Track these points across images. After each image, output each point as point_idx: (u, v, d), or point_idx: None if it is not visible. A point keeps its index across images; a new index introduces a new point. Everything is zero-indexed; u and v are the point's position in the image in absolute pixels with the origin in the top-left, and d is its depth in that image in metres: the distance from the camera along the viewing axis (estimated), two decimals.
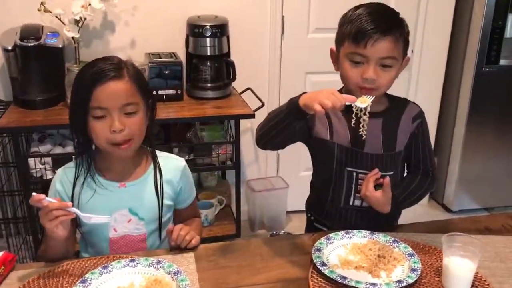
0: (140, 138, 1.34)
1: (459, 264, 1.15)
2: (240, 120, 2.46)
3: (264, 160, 3.03)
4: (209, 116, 2.44)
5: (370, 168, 1.41)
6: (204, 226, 2.64)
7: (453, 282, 1.16)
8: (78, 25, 2.37)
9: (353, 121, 1.34)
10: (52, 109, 2.32)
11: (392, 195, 1.39)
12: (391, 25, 1.31)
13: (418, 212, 3.21)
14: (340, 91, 1.34)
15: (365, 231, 1.36)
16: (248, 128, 2.85)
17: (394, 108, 1.46)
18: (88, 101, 1.25)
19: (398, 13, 1.38)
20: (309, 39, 2.81)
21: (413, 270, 1.20)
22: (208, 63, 2.55)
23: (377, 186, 1.38)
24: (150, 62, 2.45)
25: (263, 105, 2.53)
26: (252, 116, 2.40)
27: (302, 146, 1.53)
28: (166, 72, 2.45)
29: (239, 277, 1.22)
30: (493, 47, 2.88)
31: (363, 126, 1.32)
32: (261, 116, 2.49)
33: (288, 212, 3.06)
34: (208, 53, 2.52)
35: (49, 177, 2.23)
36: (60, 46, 2.32)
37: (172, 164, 1.45)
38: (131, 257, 1.24)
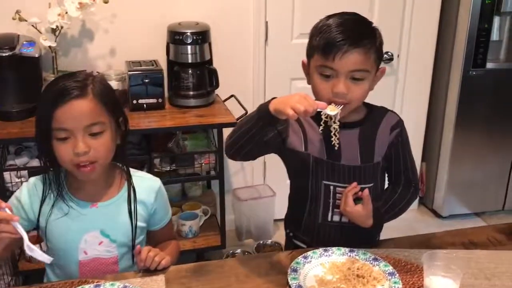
0: (107, 159, 1.27)
1: (440, 284, 1.10)
2: (224, 128, 2.41)
3: (250, 168, 2.98)
4: (190, 126, 2.38)
5: (347, 181, 1.36)
6: (189, 238, 2.58)
7: None
8: (55, 34, 2.32)
9: (321, 128, 1.30)
10: (28, 120, 2.24)
11: (373, 208, 1.34)
12: (361, 36, 1.25)
13: (408, 218, 3.18)
14: None
15: (345, 248, 1.31)
16: None
17: (371, 118, 1.41)
18: (50, 123, 1.18)
19: (370, 23, 1.33)
20: (293, 44, 2.76)
21: None
22: (190, 71, 2.49)
23: (357, 200, 1.32)
24: (129, 71, 2.39)
25: (246, 112, 2.47)
26: (234, 124, 2.33)
27: None
28: (147, 80, 2.39)
29: None
30: (479, 50, 2.84)
31: (334, 134, 1.28)
32: None
33: (275, 220, 3.00)
34: (190, 61, 2.47)
35: None
36: (37, 55, 2.26)
37: (147, 184, 1.39)
38: (97, 282, 1.18)
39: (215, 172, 2.48)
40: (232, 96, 2.63)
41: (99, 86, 1.24)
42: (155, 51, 2.57)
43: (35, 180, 1.33)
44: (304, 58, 1.37)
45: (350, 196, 1.32)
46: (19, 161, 2.21)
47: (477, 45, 2.83)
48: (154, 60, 2.53)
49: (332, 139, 1.29)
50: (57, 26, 2.28)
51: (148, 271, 1.25)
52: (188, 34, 2.42)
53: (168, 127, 2.36)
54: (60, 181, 1.29)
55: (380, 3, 2.84)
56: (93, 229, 1.30)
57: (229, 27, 2.67)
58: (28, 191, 1.30)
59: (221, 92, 2.63)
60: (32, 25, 2.29)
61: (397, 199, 1.42)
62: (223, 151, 2.38)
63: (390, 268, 1.23)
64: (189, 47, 2.44)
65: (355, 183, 1.33)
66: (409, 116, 3.09)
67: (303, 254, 1.28)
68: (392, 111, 1.46)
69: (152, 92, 2.42)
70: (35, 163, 2.24)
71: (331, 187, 1.38)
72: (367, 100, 1.48)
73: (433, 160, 3.21)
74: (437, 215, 3.26)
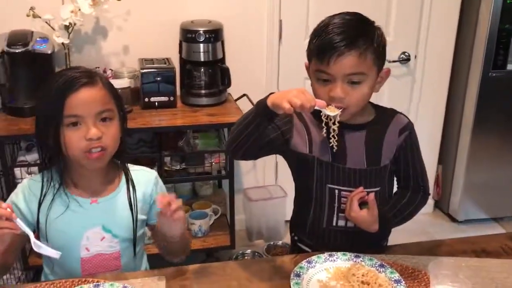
0: (114, 148, 1.27)
1: None
2: None
3: (262, 168, 2.95)
4: (201, 124, 2.37)
5: (353, 184, 1.32)
6: (198, 237, 2.57)
7: None
8: (68, 31, 2.32)
9: (324, 131, 1.27)
10: None
11: (379, 212, 1.30)
12: (355, 37, 1.21)
13: (423, 222, 3.13)
14: None
15: (350, 253, 1.27)
16: None
17: (379, 120, 1.37)
18: (61, 110, 1.18)
19: (369, 23, 1.28)
20: (307, 43, 2.72)
21: None
22: (202, 69, 2.48)
23: (362, 204, 1.29)
24: (142, 69, 2.39)
25: None
26: None
27: None
28: (159, 78, 2.39)
29: None
30: (500, 52, 2.77)
31: (333, 136, 1.25)
32: None
33: (287, 222, 2.95)
34: (202, 59, 2.45)
35: None
36: (50, 52, 2.27)
37: (144, 176, 1.39)
38: (96, 281, 1.17)
39: (225, 171, 2.46)
40: (244, 95, 2.61)
41: (104, 77, 1.28)
42: (168, 49, 2.56)
43: (29, 181, 1.32)
44: (306, 61, 1.34)
45: (355, 200, 1.28)
46: (30, 157, 2.22)
47: (497, 46, 2.76)
48: (166, 58, 2.52)
49: (331, 140, 1.27)
50: (70, 23, 2.28)
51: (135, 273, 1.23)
52: (201, 32, 2.40)
53: (179, 126, 2.35)
54: (60, 175, 1.28)
55: (398, 3, 2.78)
56: (95, 225, 1.29)
57: (242, 25, 2.65)
58: (23, 192, 1.29)
59: (234, 91, 2.62)
60: (46, 22, 2.29)
61: (405, 204, 1.38)
62: None
63: (396, 275, 1.19)
64: (201, 45, 2.43)
65: (361, 188, 1.30)
66: (425, 117, 3.04)
67: (307, 259, 1.25)
68: (401, 113, 1.42)
69: (164, 90, 2.41)
70: None
71: (336, 191, 1.35)
72: (380, 101, 1.44)
73: (450, 163, 3.14)
74: (452, 219, 3.19)
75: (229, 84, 2.53)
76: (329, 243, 1.38)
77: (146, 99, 2.40)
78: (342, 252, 1.28)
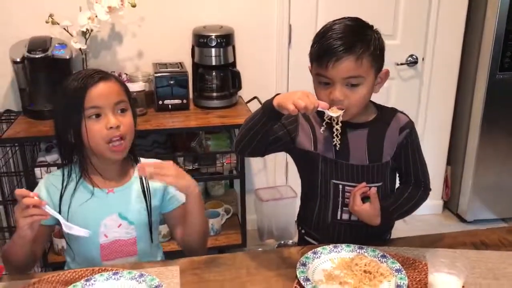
0: (132, 137, 1.37)
1: (445, 281, 1.12)
2: None
3: (272, 169, 3.02)
4: (213, 126, 2.44)
5: (356, 180, 1.39)
6: (210, 236, 2.64)
7: None
8: (85, 37, 2.41)
9: (323, 128, 1.34)
10: None
11: (381, 206, 1.36)
12: (352, 42, 1.26)
13: (432, 222, 3.16)
14: None
15: (354, 245, 1.33)
16: None
17: (381, 119, 1.43)
18: (83, 103, 1.28)
19: (368, 28, 1.33)
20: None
21: (398, 286, 1.17)
22: (214, 73, 2.56)
23: (365, 199, 1.35)
24: (156, 73, 2.47)
25: None
26: None
27: None
28: (172, 82, 2.47)
29: None
30: (506, 53, 2.81)
31: (336, 135, 1.31)
32: None
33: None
34: (214, 63, 2.53)
35: None
36: (68, 57, 2.36)
37: None
38: (115, 270, 1.25)
39: (237, 171, 2.53)
40: (255, 97, 2.69)
41: (116, 76, 1.40)
42: (181, 54, 2.65)
43: (50, 176, 1.42)
44: (309, 64, 1.39)
45: (357, 195, 1.34)
46: (50, 158, 2.31)
47: (504, 48, 2.80)
48: (179, 62, 2.61)
49: (334, 139, 1.33)
50: (87, 29, 2.37)
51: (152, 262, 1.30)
52: (213, 37, 2.48)
53: (192, 127, 2.43)
54: (77, 171, 1.38)
55: (405, 6, 2.84)
56: (112, 213, 1.38)
57: (253, 30, 2.72)
58: (45, 186, 1.39)
59: (245, 93, 2.69)
60: (64, 28, 2.39)
61: (406, 199, 1.44)
62: None
63: (397, 265, 1.25)
64: (213, 50, 2.51)
65: (363, 183, 1.36)
66: (434, 119, 3.08)
67: (313, 250, 1.31)
68: (402, 112, 1.48)
69: (177, 93, 2.50)
70: None
71: (340, 186, 1.41)
72: (388, 103, 1.49)
73: (458, 164, 3.18)
74: (461, 220, 3.22)
75: (240, 87, 2.61)
76: (334, 236, 1.44)
77: (160, 102, 2.49)
78: (346, 244, 1.34)
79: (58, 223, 1.29)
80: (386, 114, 1.45)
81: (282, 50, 2.79)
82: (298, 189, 2.88)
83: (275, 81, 2.85)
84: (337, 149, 1.37)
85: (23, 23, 2.47)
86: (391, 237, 1.53)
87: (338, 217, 1.44)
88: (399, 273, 1.21)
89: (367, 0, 2.77)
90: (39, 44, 2.33)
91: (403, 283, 1.17)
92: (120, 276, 1.21)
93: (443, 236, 1.46)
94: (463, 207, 3.19)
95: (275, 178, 3.04)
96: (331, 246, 1.34)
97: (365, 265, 1.25)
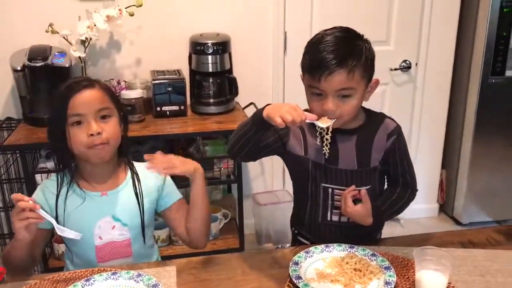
0: (116, 142, 1.41)
1: (431, 277, 1.16)
2: None
3: (270, 173, 3.07)
4: (210, 132, 2.49)
5: (345, 184, 1.43)
6: (208, 240, 2.67)
7: None
8: (84, 45, 2.47)
9: (318, 140, 1.38)
10: None
11: (373, 206, 1.40)
12: (345, 56, 1.28)
13: (428, 225, 3.20)
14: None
15: (345, 244, 1.37)
16: None
17: (369, 125, 1.46)
18: (66, 110, 1.34)
19: (359, 39, 1.35)
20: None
21: (387, 283, 1.21)
22: (211, 80, 2.61)
23: (356, 201, 1.39)
24: (154, 80, 2.52)
25: None
26: None
27: None
28: (170, 89, 2.52)
29: None
30: (498, 59, 2.86)
31: (326, 145, 1.35)
32: None
33: None
34: (210, 70, 2.58)
35: None
36: (67, 65, 2.41)
37: (146, 167, 1.51)
38: (114, 270, 1.29)
39: (234, 176, 2.57)
40: (251, 103, 2.73)
41: (103, 84, 1.43)
42: (178, 61, 2.70)
43: (46, 182, 1.48)
44: (301, 73, 1.42)
45: (349, 197, 1.38)
46: (50, 164, 2.36)
47: (496, 53, 2.85)
48: (177, 70, 2.66)
49: (324, 149, 1.37)
50: (86, 38, 2.43)
51: (149, 263, 1.35)
52: (209, 44, 2.53)
53: (189, 133, 2.47)
54: (71, 175, 1.43)
55: (398, 12, 2.89)
56: (105, 215, 1.43)
57: (249, 37, 2.78)
58: (42, 191, 1.44)
59: (241, 99, 2.74)
60: (63, 37, 2.44)
61: (396, 199, 1.48)
62: None
63: (386, 263, 1.28)
64: (210, 57, 2.56)
65: (353, 186, 1.40)
66: (428, 124, 3.13)
67: (306, 249, 1.35)
68: (390, 117, 1.51)
69: (175, 100, 2.54)
70: None
71: (330, 190, 1.46)
72: (383, 109, 1.53)
73: (453, 167, 3.22)
74: (457, 222, 3.26)
75: (236, 93, 2.65)
76: (325, 236, 1.48)
77: (158, 109, 2.53)
78: (337, 244, 1.38)
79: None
80: (375, 119, 1.48)
81: (278, 57, 2.85)
82: None
83: (271, 87, 2.90)
84: (327, 156, 1.42)
85: (24, 32, 2.52)
86: (381, 237, 1.57)
87: (328, 219, 1.48)
88: (388, 271, 1.25)
89: (361, 7, 2.83)
90: (39, 53, 2.38)
91: (392, 280, 1.21)
92: (118, 276, 1.26)
93: (432, 235, 1.50)
94: (458, 210, 3.23)
95: (272, 183, 3.09)
96: (323, 245, 1.38)
97: (356, 263, 1.29)
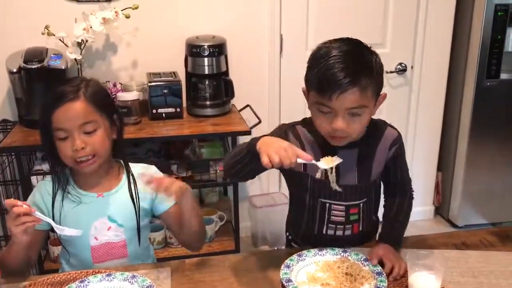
0: (104, 153, 1.40)
1: (424, 281, 1.16)
2: (239, 137, 2.51)
3: (266, 176, 3.07)
4: (205, 134, 2.49)
5: (343, 198, 1.40)
6: (205, 242, 2.67)
7: None
8: (80, 47, 2.47)
9: (318, 175, 1.27)
10: None
11: (388, 241, 1.39)
12: (358, 74, 1.22)
13: (424, 227, 3.21)
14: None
15: (338, 249, 1.37)
16: None
17: (370, 135, 1.41)
18: (50, 124, 1.33)
19: (369, 54, 1.28)
20: (308, 56, 2.84)
21: None
22: (207, 82, 2.61)
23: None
24: (150, 82, 2.53)
25: (260, 122, 2.58)
26: (248, 133, 2.45)
27: None
28: (166, 91, 2.52)
29: None
30: (492, 61, 2.87)
31: (333, 182, 1.28)
32: (257, 132, 2.54)
33: None
34: (206, 72, 2.59)
35: None
36: (63, 67, 2.40)
37: (143, 169, 1.53)
38: (108, 272, 1.29)
39: None
40: (247, 106, 2.74)
41: (90, 89, 1.38)
42: (174, 63, 2.70)
43: (43, 183, 1.48)
44: (304, 85, 1.35)
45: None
46: (45, 166, 2.35)
47: (490, 56, 2.87)
48: (173, 72, 2.66)
49: (332, 185, 1.30)
50: (82, 40, 2.43)
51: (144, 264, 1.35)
52: (205, 47, 2.54)
53: (185, 135, 2.48)
54: (66, 177, 1.44)
55: (394, 15, 2.91)
56: (101, 216, 1.43)
57: (245, 40, 2.79)
58: (39, 192, 1.44)
59: (237, 102, 2.75)
60: (60, 39, 2.44)
61: (403, 219, 1.47)
62: None
63: (378, 268, 1.28)
64: (206, 59, 2.56)
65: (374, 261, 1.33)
66: (424, 126, 3.14)
67: (298, 253, 1.35)
68: (390, 125, 1.48)
69: (171, 102, 2.55)
70: None
71: (327, 204, 1.43)
72: (379, 112, 1.44)
73: (449, 170, 3.23)
74: (453, 225, 3.27)
75: (232, 96, 2.66)
76: (321, 246, 1.43)
77: (154, 111, 2.54)
78: (330, 248, 1.38)
79: (51, 228, 1.34)
80: (375, 129, 1.43)
81: (274, 59, 2.85)
82: None
83: (267, 90, 2.91)
84: (335, 189, 1.33)
85: (20, 34, 2.53)
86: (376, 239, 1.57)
87: (324, 232, 1.46)
88: (380, 276, 1.25)
89: (357, 9, 2.84)
90: (35, 55, 2.38)
91: (383, 285, 1.21)
92: (113, 278, 1.26)
93: (426, 237, 1.51)
94: (454, 212, 3.24)
95: (268, 185, 3.09)
96: (316, 249, 1.38)
97: (347, 268, 1.29)
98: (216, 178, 2.57)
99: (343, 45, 1.27)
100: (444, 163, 3.27)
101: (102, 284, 1.25)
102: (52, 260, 2.52)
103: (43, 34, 2.43)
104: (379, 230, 1.50)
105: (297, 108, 2.57)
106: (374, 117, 1.40)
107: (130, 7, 2.44)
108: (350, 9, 2.83)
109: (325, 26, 2.77)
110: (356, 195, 1.43)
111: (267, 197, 3.03)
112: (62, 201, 1.42)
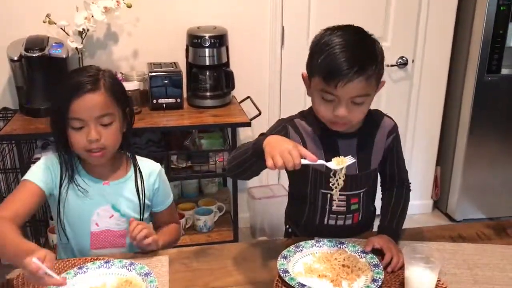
0: (114, 147, 1.42)
1: (420, 275, 1.17)
2: (240, 128, 2.51)
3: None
4: (206, 125, 2.50)
5: (344, 188, 1.37)
6: (203, 232, 2.71)
7: None
8: (81, 36, 2.47)
9: (332, 182, 1.26)
10: None
11: (390, 231, 1.40)
12: (364, 63, 1.23)
13: (422, 221, 3.22)
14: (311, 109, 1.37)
15: (335, 240, 1.38)
16: (249, 136, 2.90)
17: (368, 125, 1.43)
18: (67, 113, 1.33)
19: (372, 43, 1.29)
20: (308, 55, 2.85)
21: (374, 280, 1.21)
22: (207, 73, 2.61)
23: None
24: (150, 72, 2.53)
25: (260, 113, 2.58)
26: (248, 124, 2.46)
27: None
28: (166, 81, 2.53)
29: (209, 279, 1.27)
30: (494, 56, 2.87)
31: (336, 187, 1.26)
32: (257, 124, 2.57)
33: None
34: (207, 63, 2.59)
35: None
36: (64, 56, 2.41)
37: (149, 167, 1.53)
38: (107, 259, 1.30)
39: None
40: (248, 97, 2.74)
41: (109, 81, 1.38)
42: (175, 54, 2.70)
43: (51, 159, 1.44)
44: (304, 71, 1.35)
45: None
46: (45, 155, 2.36)
47: (492, 51, 2.87)
48: (174, 62, 2.66)
49: (333, 191, 1.27)
50: (83, 29, 2.43)
51: (141, 252, 1.38)
52: (206, 37, 2.54)
53: (185, 126, 2.48)
54: (73, 162, 1.43)
55: (396, 9, 2.90)
56: (105, 204, 1.44)
57: (246, 31, 2.78)
58: (47, 167, 1.41)
59: (238, 93, 2.75)
60: (61, 28, 2.45)
61: (401, 211, 1.48)
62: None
63: (375, 260, 1.29)
64: (207, 50, 2.56)
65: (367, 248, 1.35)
66: (424, 120, 3.14)
67: (295, 244, 1.36)
68: (387, 115, 1.49)
69: (171, 92, 2.55)
70: None
71: (328, 195, 1.44)
72: (379, 106, 1.46)
73: (447, 164, 3.24)
74: (451, 219, 3.28)
75: (233, 87, 2.66)
76: (321, 237, 1.44)
77: (155, 101, 2.54)
78: (328, 239, 1.39)
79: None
80: (373, 119, 1.45)
81: (275, 51, 2.85)
82: None
83: (268, 81, 2.91)
84: (335, 201, 1.36)
85: (21, 23, 2.52)
86: (373, 230, 1.58)
87: (325, 222, 1.48)
88: (376, 268, 1.26)
89: (358, 3, 2.83)
90: (36, 43, 2.38)
91: (379, 278, 1.22)
92: (111, 265, 1.27)
93: (423, 230, 1.52)
94: (452, 206, 3.25)
95: (267, 177, 3.10)
96: (313, 240, 1.38)
97: (344, 259, 1.30)
98: (215, 169, 2.58)
99: (346, 33, 1.27)
100: (443, 157, 3.28)
101: (100, 271, 1.26)
102: (52, 248, 2.53)
103: (44, 22, 2.42)
104: (378, 222, 1.51)
105: (298, 100, 2.57)
106: (371, 107, 1.41)
107: None
108: (352, 2, 2.82)
109: (326, 19, 2.70)
110: (357, 184, 1.44)
111: (266, 188, 3.04)
112: (68, 184, 1.42)
